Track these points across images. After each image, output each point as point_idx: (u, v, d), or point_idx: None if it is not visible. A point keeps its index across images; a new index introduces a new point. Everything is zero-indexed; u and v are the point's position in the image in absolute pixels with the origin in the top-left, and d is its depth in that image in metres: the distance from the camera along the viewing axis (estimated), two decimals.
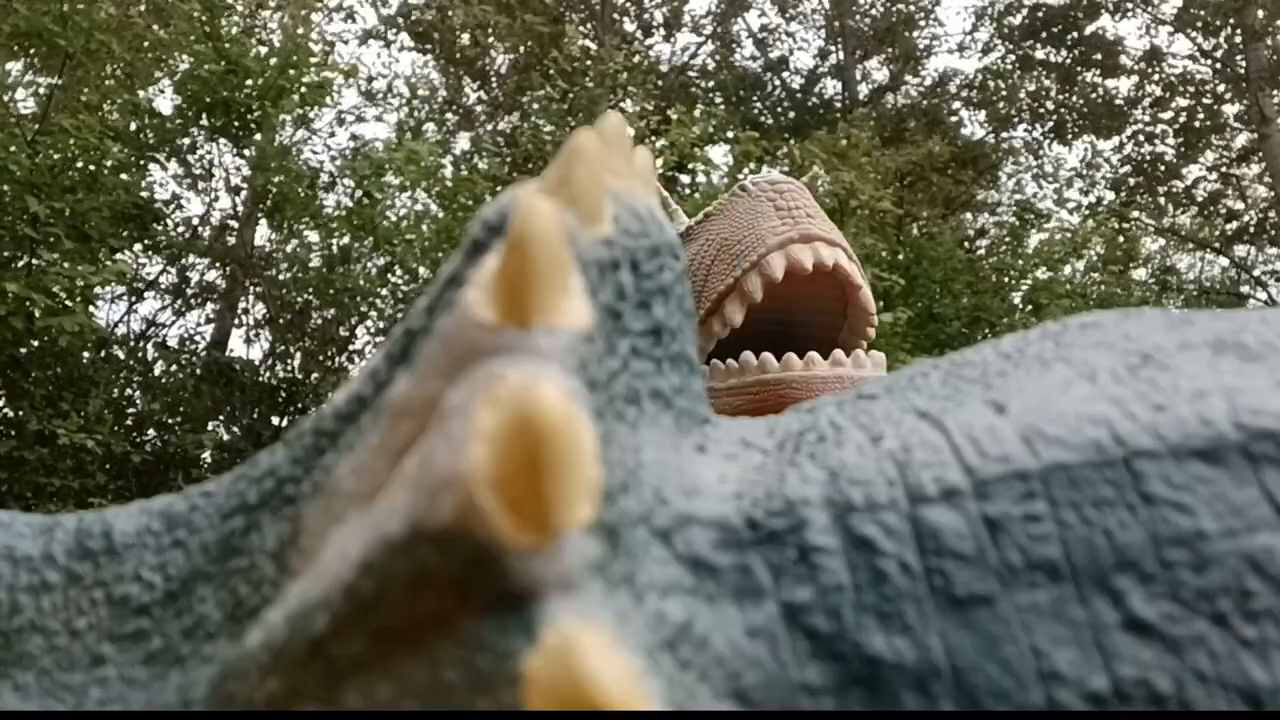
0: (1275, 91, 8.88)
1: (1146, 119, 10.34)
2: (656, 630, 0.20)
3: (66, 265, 4.88)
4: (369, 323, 7.73)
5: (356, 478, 0.25)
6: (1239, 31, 9.24)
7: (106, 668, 0.27)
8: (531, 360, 0.20)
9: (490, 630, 0.18)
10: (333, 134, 8.15)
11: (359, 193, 6.82)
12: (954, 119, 10.59)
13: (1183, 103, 10.11)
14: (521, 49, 8.32)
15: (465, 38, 8.95)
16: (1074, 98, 10.43)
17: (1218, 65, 9.75)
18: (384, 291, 7.39)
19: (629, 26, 10.41)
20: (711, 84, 10.65)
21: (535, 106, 7.51)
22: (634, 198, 0.28)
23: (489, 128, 9.60)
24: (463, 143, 9.70)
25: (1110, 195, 10.36)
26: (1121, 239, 8.73)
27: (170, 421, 6.70)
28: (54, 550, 0.29)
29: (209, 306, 7.90)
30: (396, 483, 0.21)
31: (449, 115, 9.61)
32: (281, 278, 7.73)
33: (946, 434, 0.25)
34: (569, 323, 0.22)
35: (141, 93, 6.35)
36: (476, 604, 0.18)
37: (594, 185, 0.26)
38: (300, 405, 7.17)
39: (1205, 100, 10.00)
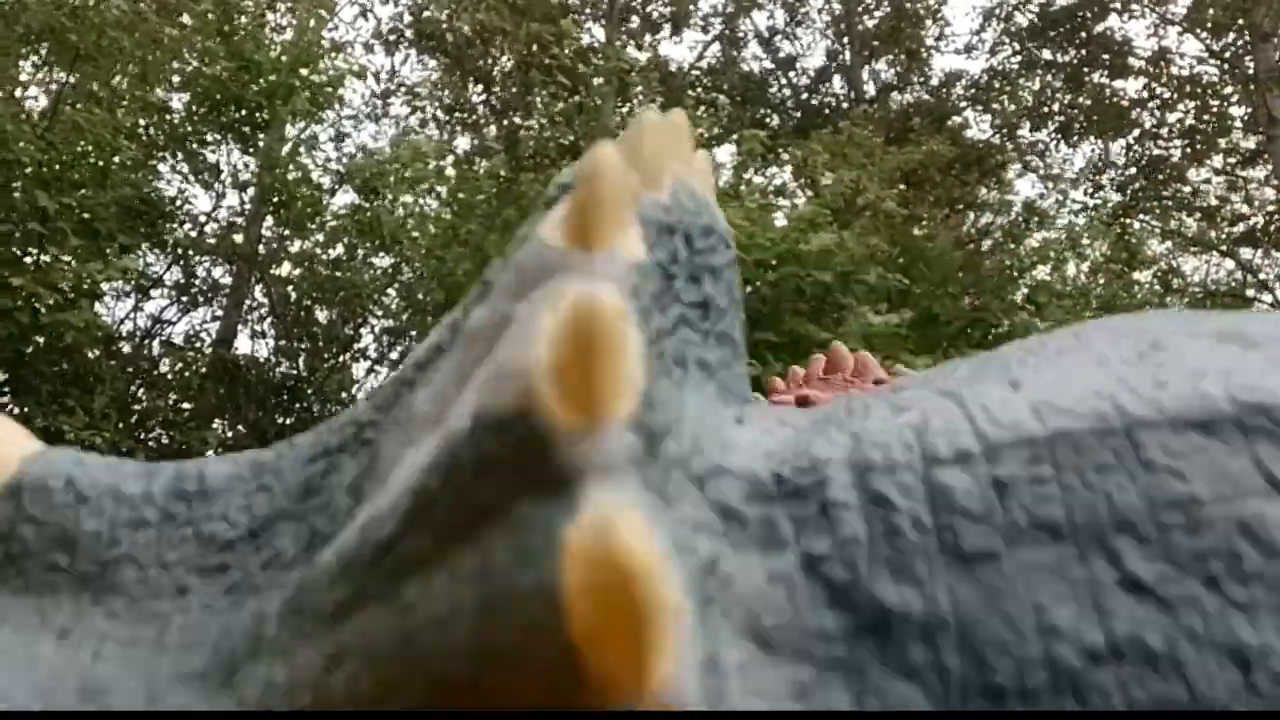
0: None
1: (1154, 121, 10.29)
2: (684, 550, 0.22)
3: (75, 262, 4.90)
4: (374, 320, 7.76)
5: (431, 403, 0.27)
6: (1247, 32, 9.20)
7: (190, 597, 0.30)
8: (591, 278, 0.23)
9: (537, 510, 0.20)
10: (343, 136, 8.12)
11: (365, 190, 6.84)
12: (959, 119, 10.56)
13: (1190, 104, 10.06)
14: (527, 53, 8.32)
15: (471, 35, 8.95)
16: (1081, 98, 10.39)
17: (1225, 66, 9.71)
18: (390, 289, 7.41)
19: (635, 25, 10.41)
20: (718, 82, 10.64)
21: (540, 105, 7.51)
22: (693, 182, 0.30)
23: (492, 131, 9.61)
24: (465, 145, 9.72)
25: (1116, 196, 10.31)
26: (1125, 239, 8.68)
27: (175, 418, 6.72)
28: (154, 491, 0.32)
29: (215, 304, 7.92)
30: (466, 395, 0.23)
31: (455, 115, 9.62)
32: (287, 274, 7.74)
33: (963, 405, 0.26)
34: (626, 251, 0.24)
35: (153, 90, 6.36)
36: (527, 489, 0.20)
37: (659, 156, 0.28)
38: (305, 403, 7.18)
39: (1212, 101, 9.95)
